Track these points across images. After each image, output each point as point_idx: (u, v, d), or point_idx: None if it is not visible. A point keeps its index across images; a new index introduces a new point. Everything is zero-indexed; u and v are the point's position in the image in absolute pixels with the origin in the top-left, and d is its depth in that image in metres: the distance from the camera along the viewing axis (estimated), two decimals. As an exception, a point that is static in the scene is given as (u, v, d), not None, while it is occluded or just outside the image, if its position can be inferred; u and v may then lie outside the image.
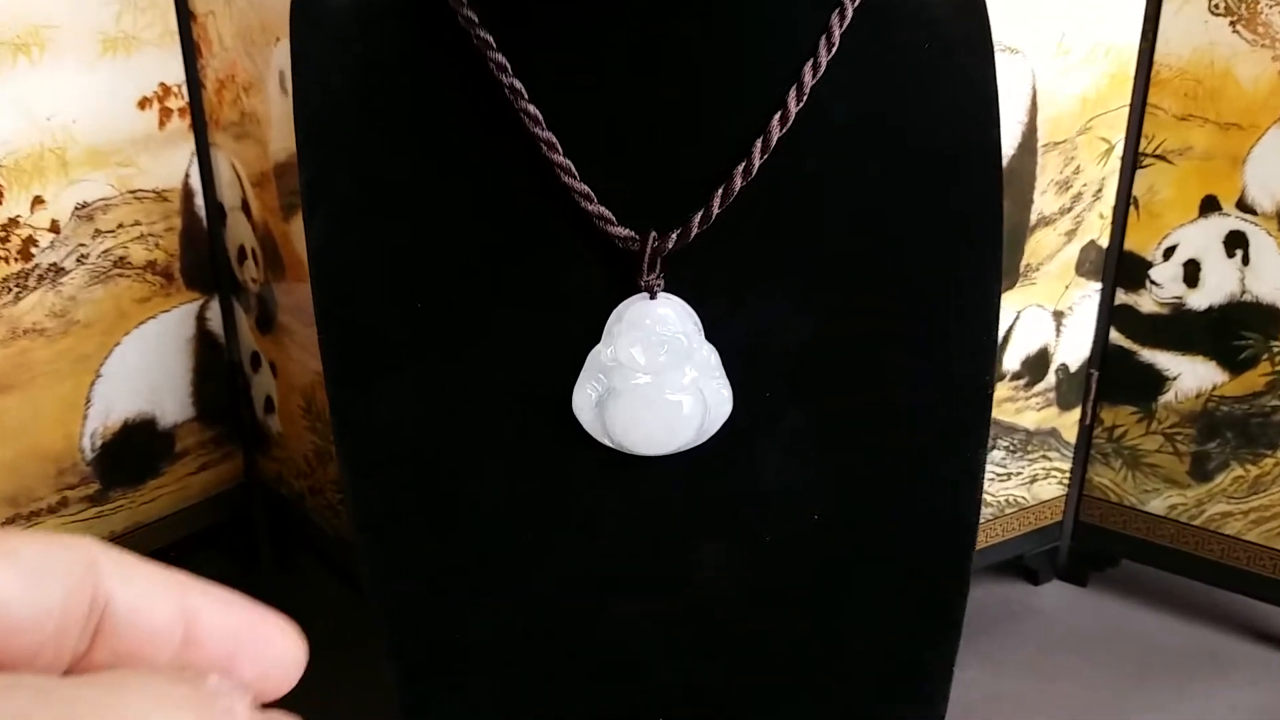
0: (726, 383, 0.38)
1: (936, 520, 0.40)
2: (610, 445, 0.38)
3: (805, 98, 0.37)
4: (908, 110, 0.39)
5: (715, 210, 0.37)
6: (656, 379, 0.37)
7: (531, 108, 0.36)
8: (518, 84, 0.36)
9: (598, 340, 0.37)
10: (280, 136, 0.61)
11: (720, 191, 0.37)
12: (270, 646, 0.19)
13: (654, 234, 0.37)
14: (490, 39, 0.36)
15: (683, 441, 0.38)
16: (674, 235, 0.37)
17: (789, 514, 0.40)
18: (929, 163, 0.39)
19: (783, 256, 0.39)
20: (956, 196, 0.39)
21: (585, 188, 0.37)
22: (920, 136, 0.39)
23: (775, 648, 0.41)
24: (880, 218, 0.39)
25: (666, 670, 0.40)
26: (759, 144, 0.37)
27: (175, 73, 0.65)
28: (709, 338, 0.38)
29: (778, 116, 0.37)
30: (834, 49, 0.37)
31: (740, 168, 0.37)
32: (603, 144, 0.37)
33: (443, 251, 0.38)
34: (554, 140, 0.37)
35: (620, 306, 0.37)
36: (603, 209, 0.37)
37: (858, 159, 0.39)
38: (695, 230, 0.37)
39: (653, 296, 0.37)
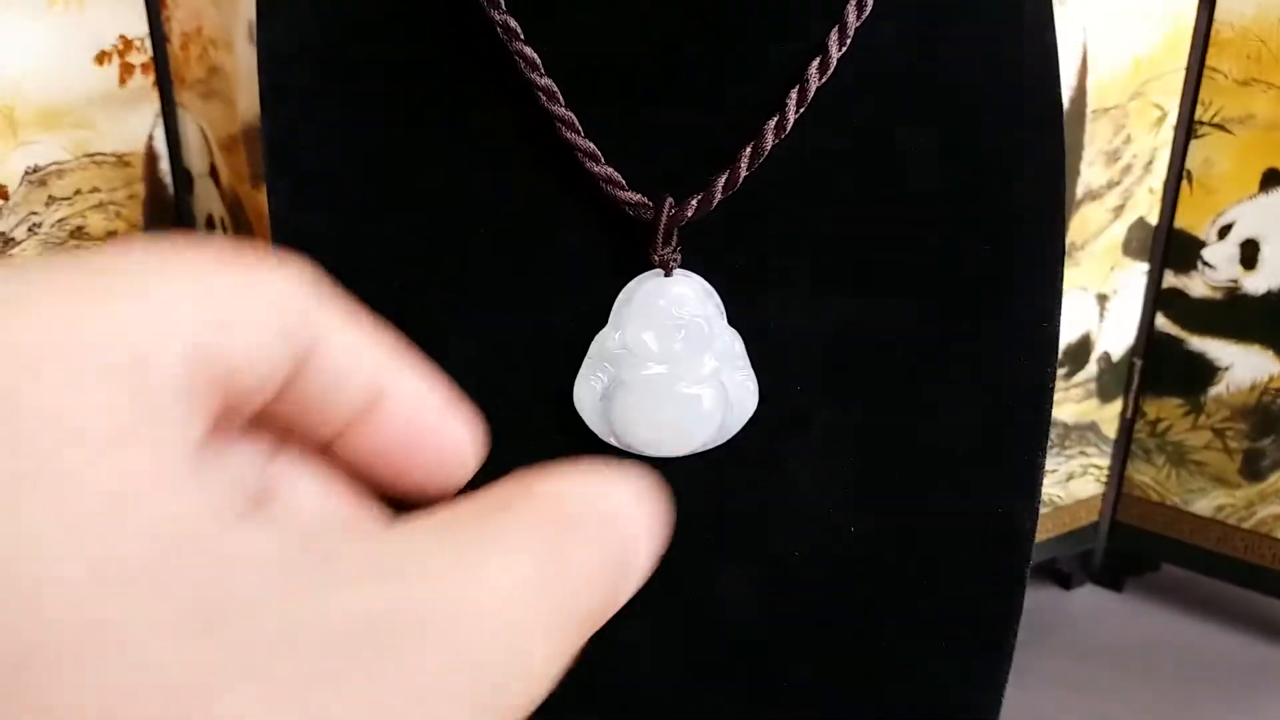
0: (752, 374, 0.33)
1: (988, 536, 0.36)
2: (617, 445, 0.33)
3: (849, 42, 0.32)
4: (964, 64, 0.34)
5: (742, 173, 0.32)
6: (671, 369, 0.32)
7: (528, 50, 0.31)
8: (513, 23, 0.31)
9: (603, 324, 0.33)
10: (249, 95, 0.56)
11: (748, 151, 0.31)
12: (444, 447, 0.17)
13: (670, 200, 0.32)
14: (480, -31, 0.31)
15: (701, 441, 0.33)
16: (694, 202, 0.32)
17: (821, 527, 0.35)
18: (987, 126, 0.34)
19: (818, 230, 0.34)
20: (1016, 165, 0.34)
21: (591, 145, 0.31)
22: (978, 96, 0.34)
23: (802, 681, 0.36)
24: (930, 187, 0.34)
25: (679, 705, 0.35)
26: (794, 95, 0.31)
27: (136, 24, 0.60)
28: (732, 322, 0.33)
29: (816, 63, 0.32)
30: (880, -13, 0.32)
31: (772, 124, 0.31)
32: (612, 96, 0.32)
33: (424, 222, 0.33)
34: (554, 89, 0.31)
35: (630, 285, 0.32)
36: (610, 170, 0.32)
37: (907, 118, 0.33)
38: (718, 197, 0.32)
39: (668, 273, 0.32)
